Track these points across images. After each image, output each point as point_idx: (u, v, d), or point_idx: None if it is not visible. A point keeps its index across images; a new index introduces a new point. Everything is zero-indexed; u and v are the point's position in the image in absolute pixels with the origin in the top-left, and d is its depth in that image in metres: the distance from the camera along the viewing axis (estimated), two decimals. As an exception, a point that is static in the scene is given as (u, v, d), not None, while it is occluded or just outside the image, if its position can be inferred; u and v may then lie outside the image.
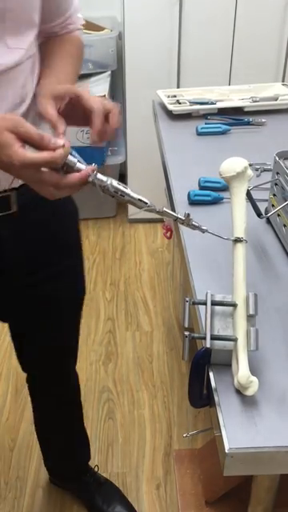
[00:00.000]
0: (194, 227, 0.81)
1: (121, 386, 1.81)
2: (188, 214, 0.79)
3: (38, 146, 0.68)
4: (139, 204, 0.76)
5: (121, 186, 0.74)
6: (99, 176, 0.73)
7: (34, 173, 0.69)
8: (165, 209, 0.78)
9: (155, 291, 2.25)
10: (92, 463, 1.48)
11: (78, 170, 0.71)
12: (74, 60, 0.95)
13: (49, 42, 0.95)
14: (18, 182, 0.85)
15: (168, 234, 1.90)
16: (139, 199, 0.76)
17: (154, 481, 1.53)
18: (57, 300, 1.05)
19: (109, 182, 0.73)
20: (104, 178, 0.73)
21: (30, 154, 0.67)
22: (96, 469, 1.47)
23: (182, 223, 0.80)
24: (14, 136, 0.67)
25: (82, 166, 0.72)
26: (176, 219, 0.80)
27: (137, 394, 1.78)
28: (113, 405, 1.75)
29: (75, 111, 0.78)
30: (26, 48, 0.82)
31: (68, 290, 1.07)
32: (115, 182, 0.74)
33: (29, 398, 1.57)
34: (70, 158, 0.71)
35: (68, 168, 0.70)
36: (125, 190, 0.74)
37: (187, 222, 0.80)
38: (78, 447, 1.42)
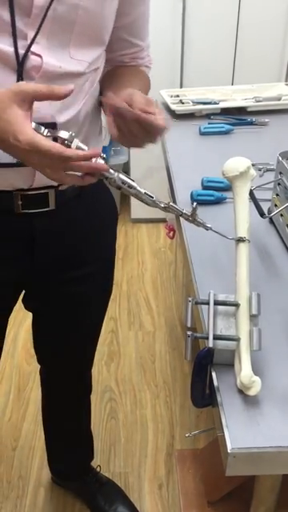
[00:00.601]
0: (199, 224, 0.81)
1: (123, 386, 1.81)
2: (195, 208, 0.80)
3: (48, 96, 0.69)
4: (145, 198, 0.77)
5: (127, 178, 0.76)
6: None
7: (41, 158, 0.69)
8: (171, 204, 0.79)
9: (158, 291, 2.25)
10: (94, 463, 1.48)
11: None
12: (143, 86, 0.96)
13: (118, 69, 0.97)
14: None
15: (171, 234, 1.90)
16: (145, 193, 0.77)
17: (156, 481, 1.53)
18: (86, 299, 1.06)
19: (116, 174, 0.74)
20: (111, 170, 0.74)
21: (40, 138, 0.67)
22: (98, 469, 1.47)
23: (188, 218, 0.81)
24: (24, 113, 0.68)
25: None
26: (181, 214, 0.80)
27: (139, 394, 1.78)
28: (115, 404, 1.75)
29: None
30: (90, 62, 0.84)
31: (98, 290, 1.08)
32: (122, 175, 0.75)
33: (31, 398, 1.58)
34: (80, 144, 0.72)
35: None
36: (131, 182, 0.76)
37: (193, 216, 0.80)
38: (82, 446, 1.42)
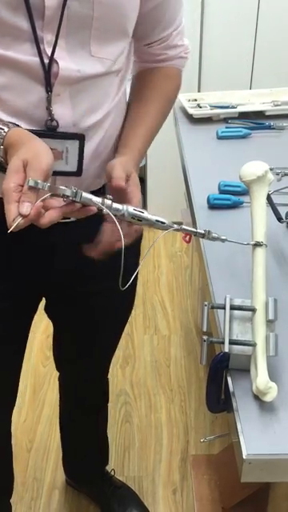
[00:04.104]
0: (214, 239, 0.81)
1: (138, 390, 1.81)
2: (209, 231, 0.79)
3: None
4: (157, 225, 0.76)
5: (137, 212, 0.74)
6: (115, 205, 0.73)
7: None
8: (183, 226, 0.78)
9: (173, 295, 2.24)
10: (108, 467, 1.48)
11: (94, 204, 0.71)
12: (165, 105, 0.92)
13: (145, 77, 0.92)
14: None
15: (187, 238, 1.89)
16: (157, 220, 0.75)
17: (171, 486, 1.52)
18: (105, 312, 1.05)
19: (125, 209, 0.73)
20: (120, 207, 0.73)
21: (7, 186, 0.64)
22: (112, 472, 1.47)
23: (202, 237, 0.80)
24: (23, 169, 0.65)
25: (97, 199, 0.72)
26: (195, 234, 0.80)
27: (154, 398, 1.78)
28: (130, 408, 1.75)
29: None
30: (113, 59, 0.81)
31: (118, 304, 1.06)
32: (131, 209, 0.74)
33: (47, 399, 1.59)
34: (84, 194, 0.71)
35: (84, 204, 0.71)
36: (142, 214, 0.74)
37: (207, 236, 0.79)
38: (97, 451, 1.43)
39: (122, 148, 0.86)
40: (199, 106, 1.58)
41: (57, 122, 0.79)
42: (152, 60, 0.93)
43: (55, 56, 0.75)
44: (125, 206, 0.73)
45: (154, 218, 0.75)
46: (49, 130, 0.79)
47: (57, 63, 0.76)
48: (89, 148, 0.84)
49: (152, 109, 0.90)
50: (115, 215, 0.73)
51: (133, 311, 2.21)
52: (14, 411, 1.72)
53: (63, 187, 0.69)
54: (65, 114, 0.79)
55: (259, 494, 1.06)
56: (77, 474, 1.49)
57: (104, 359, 1.22)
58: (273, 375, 0.70)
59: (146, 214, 0.75)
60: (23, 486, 1.53)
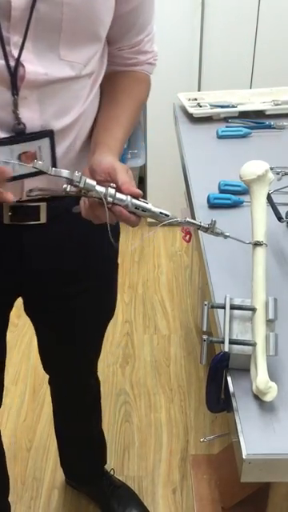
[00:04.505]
0: (217, 234, 0.80)
1: (138, 389, 1.81)
2: (214, 222, 0.79)
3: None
4: (161, 217, 0.76)
5: (141, 202, 0.74)
6: (118, 195, 0.73)
7: None
8: (188, 219, 0.78)
9: (173, 294, 2.24)
10: (108, 466, 1.48)
11: (95, 195, 0.72)
12: (137, 109, 0.92)
13: (116, 81, 0.91)
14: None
15: (187, 238, 1.89)
16: (160, 212, 0.75)
17: (170, 485, 1.52)
18: (84, 314, 1.05)
19: (128, 200, 0.73)
20: (123, 197, 0.73)
21: None
22: (112, 472, 1.47)
23: (206, 231, 0.80)
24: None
25: (100, 188, 0.72)
26: (199, 227, 0.79)
27: (154, 398, 1.78)
28: (129, 408, 1.75)
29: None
30: (83, 63, 0.79)
31: (96, 305, 1.06)
32: (135, 199, 0.74)
33: (46, 399, 1.58)
34: (89, 181, 0.72)
35: (87, 191, 0.72)
36: (145, 205, 0.74)
37: (212, 229, 0.79)
38: (94, 451, 1.42)
39: (103, 147, 0.83)
40: (199, 106, 1.58)
41: (24, 125, 0.78)
42: (122, 64, 0.92)
43: (22, 59, 0.73)
44: (129, 197, 0.73)
45: (158, 210, 0.75)
46: (17, 135, 0.78)
47: (23, 66, 0.74)
48: (60, 149, 0.83)
49: (127, 113, 0.89)
50: (119, 205, 0.73)
51: (133, 311, 2.21)
52: (13, 411, 1.73)
53: (66, 171, 0.71)
54: (32, 118, 0.78)
55: (259, 493, 1.05)
56: (75, 475, 1.49)
57: (89, 357, 1.20)
58: (273, 375, 0.70)
59: (150, 206, 0.75)
60: (23, 485, 1.52)
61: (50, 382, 1.30)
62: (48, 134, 0.80)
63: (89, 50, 0.80)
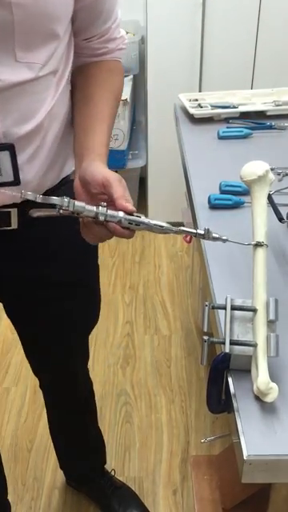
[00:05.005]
0: (215, 239, 0.80)
1: (138, 390, 1.81)
2: (208, 229, 0.78)
3: None
4: (156, 229, 0.75)
5: (134, 217, 0.73)
6: (110, 212, 0.72)
7: None
8: (182, 228, 0.77)
9: (174, 295, 2.24)
10: (109, 467, 1.48)
11: (87, 215, 0.71)
12: (115, 101, 0.89)
13: (88, 73, 0.88)
14: (19, 199, 0.82)
15: (188, 238, 1.89)
16: (155, 224, 0.75)
17: (171, 486, 1.52)
18: (62, 318, 1.04)
19: (121, 215, 0.73)
20: (115, 213, 0.72)
21: None
22: (113, 473, 1.47)
23: (203, 238, 0.80)
24: None
25: (90, 209, 0.72)
26: (196, 235, 0.79)
27: (154, 398, 1.78)
28: (130, 408, 1.75)
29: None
30: (42, 63, 0.76)
31: (77, 309, 1.04)
32: (128, 215, 0.73)
33: (47, 400, 1.57)
34: (78, 203, 0.71)
35: (79, 213, 0.72)
36: (139, 219, 0.74)
37: (207, 236, 0.79)
38: (91, 450, 1.42)
39: (90, 153, 0.80)
40: (200, 106, 1.57)
41: None
42: (92, 54, 0.89)
43: None
44: (121, 213, 0.73)
45: (152, 222, 0.75)
46: None
47: None
48: (23, 157, 0.80)
49: (107, 108, 0.86)
50: (112, 221, 0.72)
51: (133, 311, 2.22)
52: (14, 411, 1.73)
53: (55, 198, 0.70)
54: None
55: (260, 494, 1.05)
56: (75, 475, 1.49)
57: (77, 360, 1.20)
58: (274, 376, 0.70)
59: (143, 219, 0.74)
60: (23, 486, 1.52)
61: (41, 385, 1.29)
62: (8, 147, 0.77)
63: (47, 49, 0.76)
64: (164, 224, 0.75)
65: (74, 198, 0.73)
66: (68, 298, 1.00)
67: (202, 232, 0.78)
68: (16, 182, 0.80)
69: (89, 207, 0.72)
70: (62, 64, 0.82)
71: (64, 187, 0.91)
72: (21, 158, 0.80)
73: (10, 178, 0.79)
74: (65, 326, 1.06)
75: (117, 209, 0.72)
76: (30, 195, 0.69)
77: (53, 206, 0.71)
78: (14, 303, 1.01)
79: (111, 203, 0.73)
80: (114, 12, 0.87)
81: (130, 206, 0.72)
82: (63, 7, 0.76)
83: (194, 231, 0.78)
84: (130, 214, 0.73)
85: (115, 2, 0.86)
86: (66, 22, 0.79)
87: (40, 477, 1.55)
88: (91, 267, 1.05)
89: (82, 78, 0.88)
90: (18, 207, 0.85)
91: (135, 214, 0.74)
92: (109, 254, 2.45)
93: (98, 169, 0.75)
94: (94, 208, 0.72)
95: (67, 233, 0.82)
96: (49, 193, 0.87)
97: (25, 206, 0.81)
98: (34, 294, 0.97)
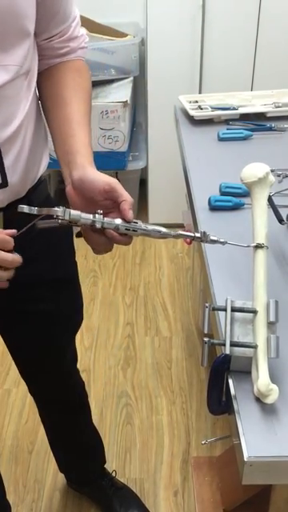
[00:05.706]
0: (213, 242, 0.80)
1: (139, 391, 1.81)
2: (204, 232, 0.78)
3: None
4: (154, 234, 0.75)
5: (132, 224, 0.74)
6: (107, 220, 0.73)
7: None
8: (180, 232, 0.78)
9: (175, 296, 2.24)
10: (110, 468, 1.48)
11: (84, 223, 0.72)
12: (88, 98, 0.88)
13: (55, 76, 0.87)
14: (5, 202, 0.83)
15: (188, 240, 1.89)
16: (153, 229, 0.75)
17: (172, 487, 1.52)
18: (45, 318, 1.03)
19: (118, 223, 0.73)
20: (112, 221, 0.73)
21: None
22: (114, 474, 1.47)
23: (201, 241, 0.80)
24: None
25: (86, 217, 0.72)
26: (193, 239, 0.79)
27: (155, 400, 1.78)
28: (131, 410, 1.75)
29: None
30: (19, 64, 0.76)
31: (59, 309, 1.04)
32: (124, 222, 0.74)
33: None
34: (73, 212, 0.72)
35: (75, 222, 0.72)
36: (135, 225, 0.74)
37: (205, 239, 0.79)
38: (90, 452, 1.41)
39: (79, 158, 0.79)
40: (200, 108, 1.58)
41: None
42: (55, 55, 0.88)
43: None
44: (117, 220, 0.73)
45: (149, 227, 0.75)
46: None
47: None
48: (9, 160, 0.80)
49: (82, 108, 0.85)
50: (109, 229, 0.73)
51: (134, 313, 2.21)
52: (15, 413, 1.73)
53: (51, 208, 0.71)
54: None
55: (260, 496, 1.05)
56: (75, 477, 1.49)
57: (67, 358, 1.19)
58: (274, 377, 0.70)
59: (140, 224, 0.74)
60: (24, 487, 1.53)
61: (30, 391, 1.27)
62: None
63: (22, 49, 0.75)
64: (162, 229, 0.76)
65: (67, 207, 0.74)
66: (55, 298, 1.01)
67: (200, 236, 0.78)
68: (4, 183, 0.81)
69: (85, 215, 0.73)
70: (32, 65, 0.82)
71: (41, 186, 0.92)
72: (6, 161, 0.80)
73: None
74: (56, 326, 1.06)
75: (120, 209, 0.73)
76: (27, 208, 0.70)
77: (50, 216, 0.72)
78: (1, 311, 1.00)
79: (115, 205, 0.73)
80: (73, 9, 0.87)
81: (130, 215, 0.73)
82: (28, 2, 0.75)
83: (192, 235, 0.79)
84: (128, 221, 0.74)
85: (72, 0, 0.86)
86: (34, 19, 0.77)
87: (41, 478, 1.55)
88: (72, 264, 1.06)
89: (51, 81, 0.87)
90: (3, 210, 0.85)
91: (133, 221, 0.74)
92: (109, 255, 2.45)
93: (96, 176, 0.76)
94: (91, 216, 0.73)
95: (47, 233, 0.82)
96: (30, 192, 0.88)
97: (10, 208, 0.83)
98: (11, 296, 0.94)
